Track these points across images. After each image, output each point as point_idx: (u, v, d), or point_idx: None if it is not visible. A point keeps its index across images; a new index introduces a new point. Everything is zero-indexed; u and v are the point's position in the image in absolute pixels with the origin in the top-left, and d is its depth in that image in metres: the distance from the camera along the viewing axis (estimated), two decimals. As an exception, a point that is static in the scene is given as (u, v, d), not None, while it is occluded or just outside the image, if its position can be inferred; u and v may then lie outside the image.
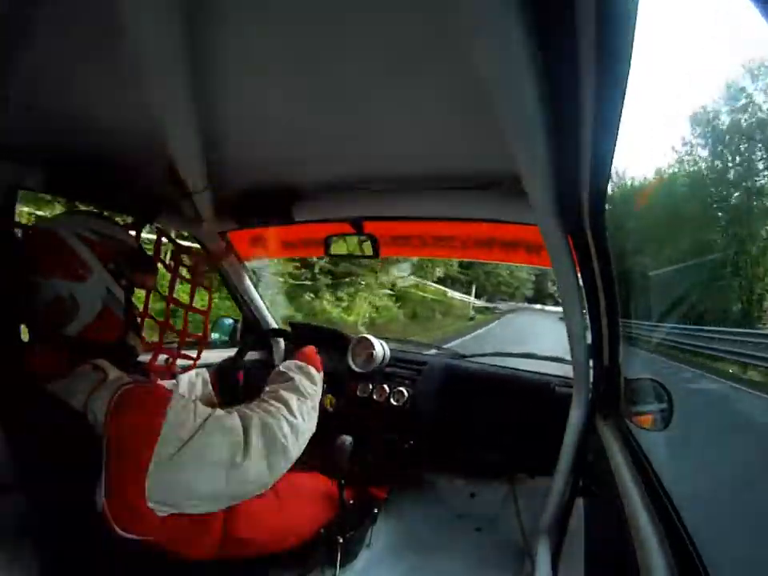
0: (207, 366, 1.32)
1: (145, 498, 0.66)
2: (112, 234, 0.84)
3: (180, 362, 1.35)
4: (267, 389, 0.93)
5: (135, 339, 0.90)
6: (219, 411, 0.78)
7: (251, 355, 1.73)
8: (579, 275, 1.00)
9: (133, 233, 1.00)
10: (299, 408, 0.87)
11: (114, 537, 0.67)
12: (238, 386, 1.25)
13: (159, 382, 1.10)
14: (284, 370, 0.98)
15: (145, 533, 0.70)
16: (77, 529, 0.73)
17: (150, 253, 1.05)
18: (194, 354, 1.36)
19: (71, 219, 0.83)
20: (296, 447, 0.82)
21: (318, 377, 1.01)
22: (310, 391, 0.94)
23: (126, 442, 0.67)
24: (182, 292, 1.43)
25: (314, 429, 0.90)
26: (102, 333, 0.81)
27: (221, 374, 1.24)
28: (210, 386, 1.20)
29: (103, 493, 0.66)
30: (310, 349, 1.10)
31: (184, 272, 1.31)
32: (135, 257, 0.87)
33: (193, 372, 1.22)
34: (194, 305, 1.35)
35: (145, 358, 1.26)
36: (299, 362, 1.01)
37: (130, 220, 1.14)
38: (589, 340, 1.13)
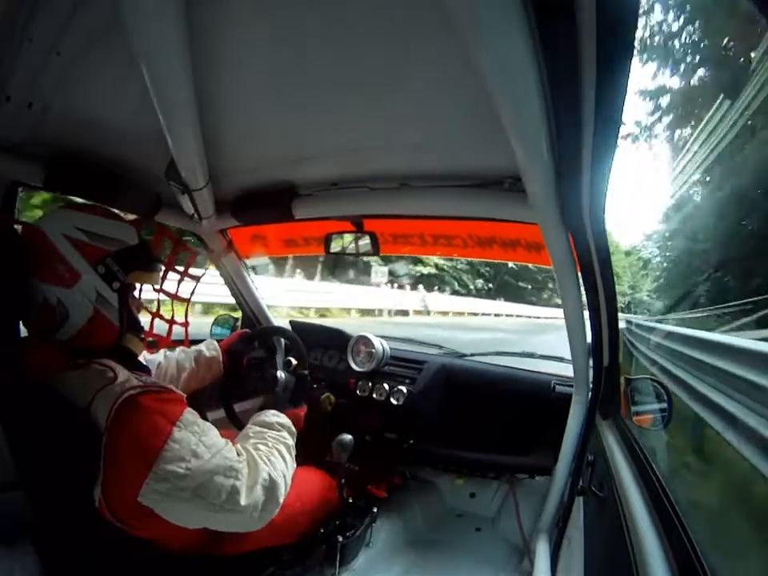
0: None
1: (137, 496, 0.65)
2: (105, 232, 0.80)
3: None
4: (271, 433, 0.88)
5: (134, 342, 0.86)
6: (230, 449, 0.75)
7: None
8: (579, 274, 1.00)
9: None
10: (290, 470, 0.85)
11: (112, 530, 0.67)
12: (242, 369, 1.32)
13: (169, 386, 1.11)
14: (281, 426, 0.92)
15: (134, 518, 0.69)
16: (76, 524, 0.73)
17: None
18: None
19: (61, 217, 0.79)
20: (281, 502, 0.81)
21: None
22: (293, 455, 0.90)
23: (126, 450, 0.66)
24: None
25: None
26: (96, 338, 0.79)
27: (231, 354, 1.30)
28: (220, 358, 1.26)
29: (100, 488, 0.66)
30: (300, 416, 1.06)
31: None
32: (131, 256, 0.83)
33: (202, 345, 1.27)
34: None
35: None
36: (293, 429, 0.95)
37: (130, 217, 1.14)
38: (589, 339, 1.13)
